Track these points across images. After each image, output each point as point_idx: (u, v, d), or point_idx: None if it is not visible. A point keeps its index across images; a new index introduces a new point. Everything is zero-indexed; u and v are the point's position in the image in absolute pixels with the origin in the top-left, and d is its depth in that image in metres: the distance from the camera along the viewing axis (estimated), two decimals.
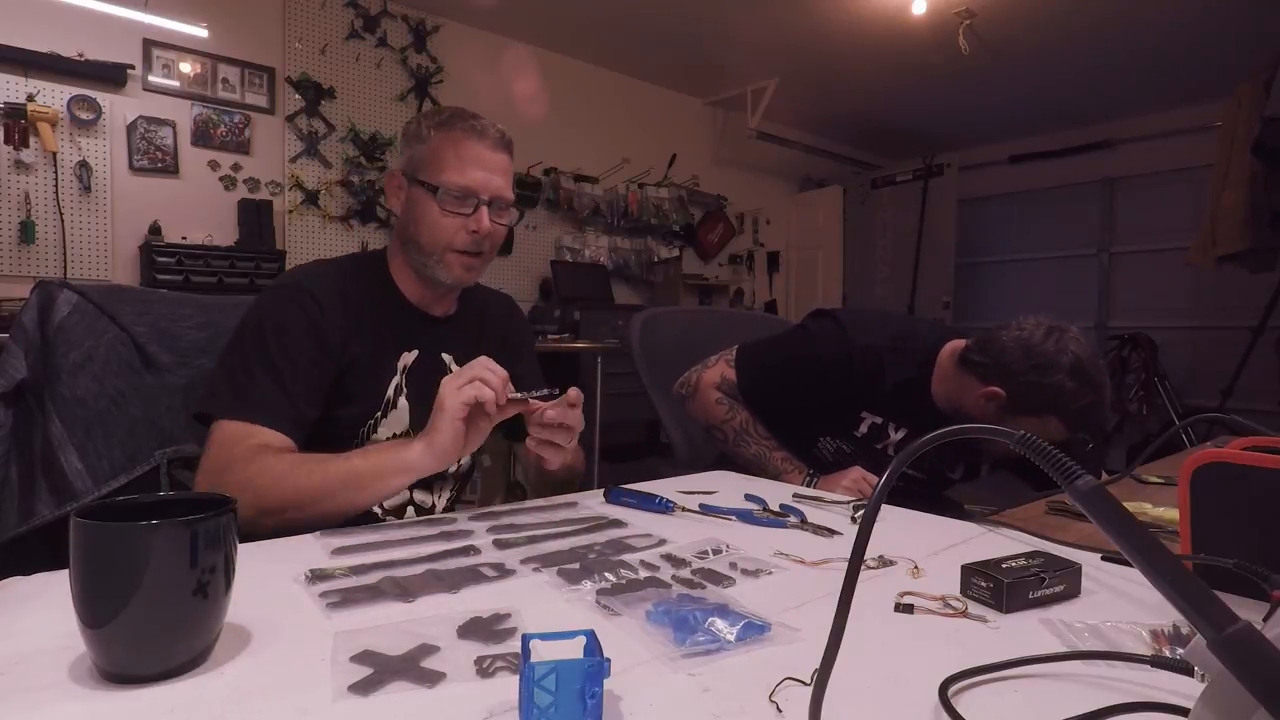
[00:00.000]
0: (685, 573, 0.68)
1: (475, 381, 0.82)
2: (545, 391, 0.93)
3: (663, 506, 0.92)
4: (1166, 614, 0.58)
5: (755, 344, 1.42)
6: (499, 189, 1.02)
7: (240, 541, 0.52)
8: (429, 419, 0.84)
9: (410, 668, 0.47)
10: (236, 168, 3.21)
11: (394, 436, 1.04)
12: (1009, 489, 1.38)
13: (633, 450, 3.71)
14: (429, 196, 1.00)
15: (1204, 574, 0.60)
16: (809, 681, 0.40)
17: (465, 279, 1.06)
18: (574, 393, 0.93)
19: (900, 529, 0.86)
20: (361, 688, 0.45)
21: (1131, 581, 0.67)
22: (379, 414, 1.03)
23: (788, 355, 1.39)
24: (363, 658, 0.48)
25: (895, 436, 1.38)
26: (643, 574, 0.67)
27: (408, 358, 1.06)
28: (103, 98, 2.87)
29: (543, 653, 0.42)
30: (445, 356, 1.10)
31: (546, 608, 0.59)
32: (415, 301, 1.08)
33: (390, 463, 0.84)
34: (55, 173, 2.77)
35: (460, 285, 1.08)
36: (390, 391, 1.03)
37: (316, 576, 0.64)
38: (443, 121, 1.02)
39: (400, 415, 1.04)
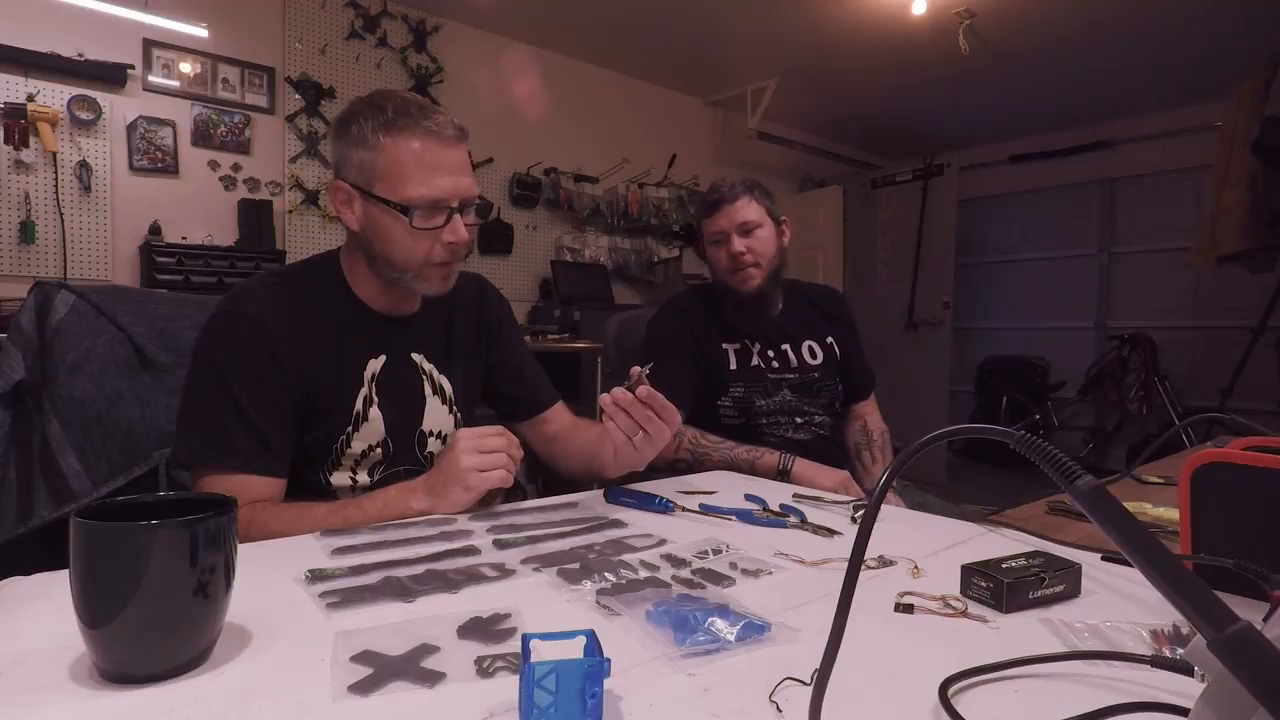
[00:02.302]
0: (685, 573, 0.68)
1: (500, 470, 0.88)
2: (649, 368, 0.95)
3: (663, 506, 0.92)
4: (1166, 614, 0.58)
5: None
6: (467, 190, 0.95)
7: (240, 542, 0.52)
8: (440, 475, 0.88)
9: (410, 668, 0.47)
10: (236, 168, 3.21)
11: (370, 448, 1.01)
12: (1009, 489, 1.40)
13: None
14: (395, 217, 0.92)
15: (1204, 574, 0.60)
16: (809, 681, 0.40)
17: (445, 288, 1.01)
18: (643, 390, 0.94)
19: (900, 529, 0.86)
20: (361, 688, 0.45)
21: (1131, 581, 0.67)
22: (350, 428, 0.99)
23: (654, 348, 1.57)
24: (363, 658, 0.48)
25: (755, 349, 1.57)
26: (643, 574, 0.67)
27: (374, 365, 1.01)
28: (103, 98, 2.86)
29: (543, 653, 0.42)
30: (415, 357, 1.06)
31: (546, 608, 0.59)
32: (377, 307, 1.03)
33: (393, 514, 0.86)
34: (55, 173, 2.76)
35: (438, 294, 1.02)
36: (359, 404, 0.99)
37: (316, 576, 0.64)
38: (389, 123, 0.92)
39: (373, 427, 1.00)
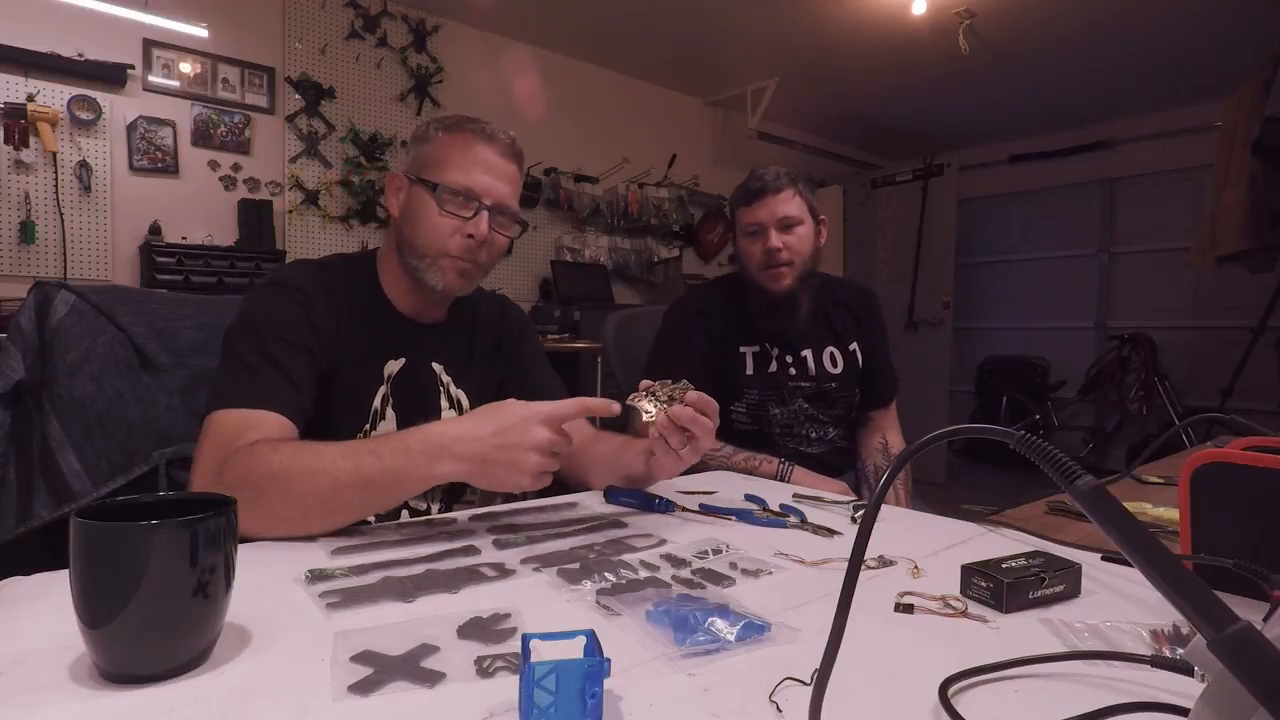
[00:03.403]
0: (685, 573, 0.68)
1: (546, 474, 0.76)
2: (682, 384, 0.88)
3: (663, 506, 0.92)
4: (1166, 614, 0.58)
5: (646, 368, 1.51)
6: (503, 197, 0.99)
7: (240, 542, 0.51)
8: (499, 449, 0.74)
9: (410, 668, 0.47)
10: (236, 168, 3.21)
11: None
12: (1009, 489, 1.40)
13: None
14: (428, 194, 0.97)
15: (1204, 574, 0.60)
16: (809, 681, 0.40)
17: (456, 286, 1.01)
18: (695, 395, 0.87)
19: (900, 529, 0.86)
20: (361, 688, 0.45)
21: (1131, 581, 0.67)
22: (367, 425, 0.99)
23: (665, 344, 1.52)
24: (363, 658, 0.48)
25: (774, 354, 1.50)
26: (643, 574, 0.67)
27: (393, 365, 1.02)
28: (103, 98, 2.86)
29: (543, 653, 0.42)
30: (435, 366, 1.07)
31: (546, 608, 0.59)
32: (403, 309, 1.04)
33: (418, 477, 0.75)
34: (55, 173, 2.76)
35: (451, 293, 1.03)
36: (377, 402, 1.00)
37: (316, 576, 0.64)
38: (452, 124, 1.00)
39: (389, 427, 1.01)
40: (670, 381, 0.90)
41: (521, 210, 1.06)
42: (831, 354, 1.54)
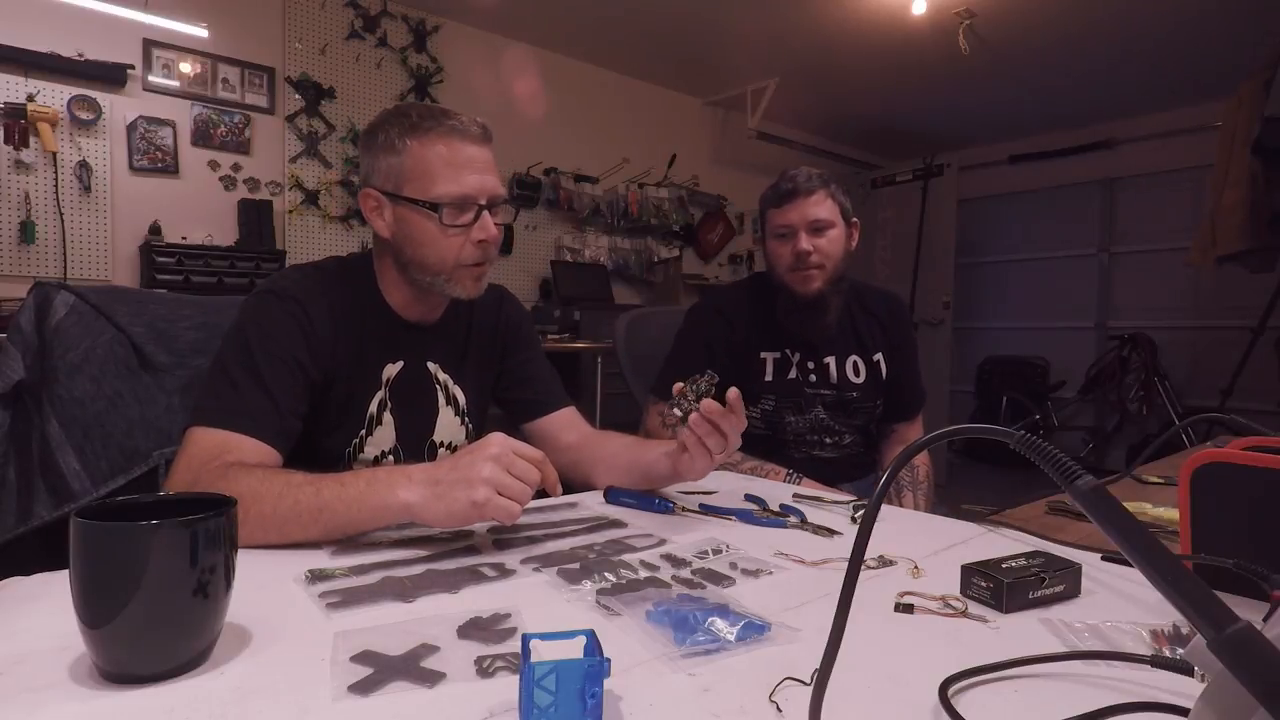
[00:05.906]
0: (685, 573, 0.68)
1: (513, 503, 0.72)
2: (708, 376, 0.87)
3: (663, 507, 0.92)
4: (1166, 614, 0.58)
5: (661, 369, 1.50)
6: (494, 188, 0.96)
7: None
8: (452, 471, 0.73)
9: (410, 668, 0.47)
10: (236, 168, 3.21)
11: (381, 455, 1.00)
12: (1009, 489, 1.39)
13: None
14: (425, 216, 0.93)
15: (1204, 574, 0.60)
16: (809, 681, 0.40)
17: (477, 291, 1.00)
18: (733, 393, 0.87)
19: (900, 529, 0.86)
20: (361, 688, 0.45)
21: (1131, 581, 0.67)
22: (363, 431, 0.99)
23: (683, 345, 1.50)
24: (363, 658, 0.48)
25: (795, 360, 1.48)
26: (643, 574, 0.67)
27: (392, 369, 1.01)
28: (103, 98, 2.86)
29: (543, 653, 0.42)
30: (430, 365, 1.06)
31: (546, 608, 0.59)
32: (403, 314, 1.03)
33: (375, 500, 0.73)
34: (55, 173, 2.76)
35: (473, 298, 1.01)
36: (374, 407, 1.00)
37: (316, 576, 0.64)
38: (414, 126, 0.93)
39: (386, 432, 1.01)
40: (697, 376, 0.89)
41: (521, 210, 1.06)
42: (855, 363, 1.51)
